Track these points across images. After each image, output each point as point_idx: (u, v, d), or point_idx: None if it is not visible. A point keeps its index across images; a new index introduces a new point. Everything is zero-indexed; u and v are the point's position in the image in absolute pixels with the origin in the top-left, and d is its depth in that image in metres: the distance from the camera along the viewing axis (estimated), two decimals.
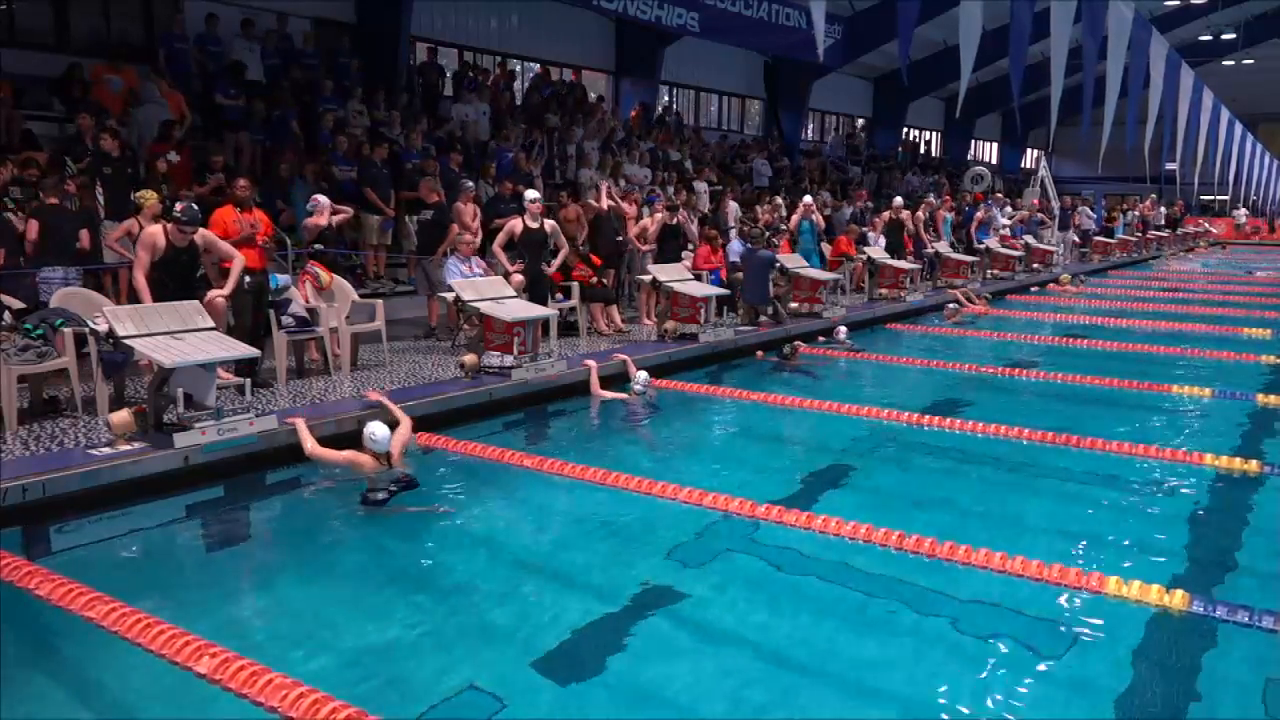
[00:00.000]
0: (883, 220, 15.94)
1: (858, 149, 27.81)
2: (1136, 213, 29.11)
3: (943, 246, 16.64)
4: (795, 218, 14.04)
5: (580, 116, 17.34)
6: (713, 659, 3.87)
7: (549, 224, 9.81)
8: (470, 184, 11.00)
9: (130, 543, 5.07)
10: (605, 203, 11.29)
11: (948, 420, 7.50)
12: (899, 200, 16.94)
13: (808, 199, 14.71)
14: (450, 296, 8.59)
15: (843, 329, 11.26)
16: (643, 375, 8.19)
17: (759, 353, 10.27)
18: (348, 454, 5.71)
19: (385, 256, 11.68)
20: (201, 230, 6.81)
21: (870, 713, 3.52)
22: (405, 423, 6.28)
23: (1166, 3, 28.99)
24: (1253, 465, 6.26)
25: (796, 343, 10.37)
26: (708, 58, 23.10)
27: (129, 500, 5.31)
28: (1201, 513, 5.63)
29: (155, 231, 6.67)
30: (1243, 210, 36.05)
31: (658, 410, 7.98)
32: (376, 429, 5.62)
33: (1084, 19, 13.54)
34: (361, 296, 8.97)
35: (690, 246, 12.39)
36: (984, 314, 14.08)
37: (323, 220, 8.78)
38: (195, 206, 6.87)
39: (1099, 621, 4.13)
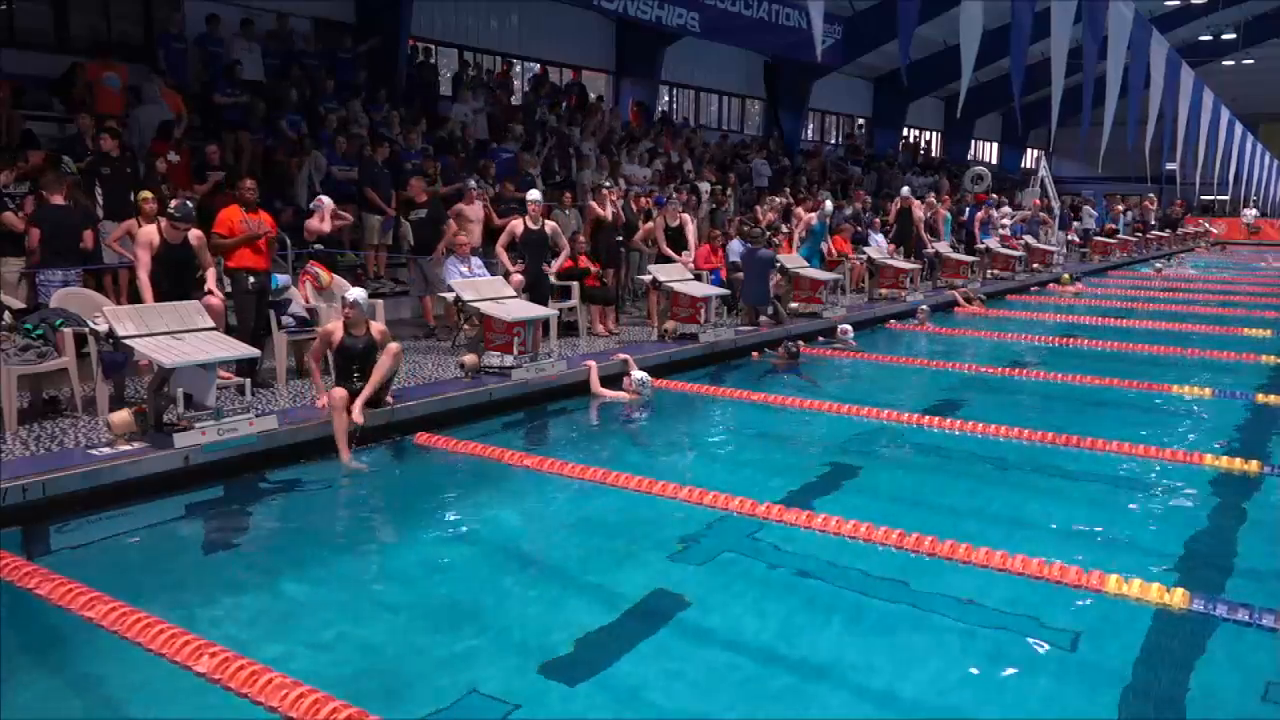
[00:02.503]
0: (895, 208, 15.90)
1: (858, 149, 27.81)
2: (1135, 213, 29.05)
3: (943, 246, 16.64)
4: (812, 217, 13.81)
5: (580, 116, 17.35)
6: (713, 658, 3.86)
7: (549, 225, 9.82)
8: (474, 184, 11.00)
9: (130, 543, 5.07)
10: (607, 211, 11.31)
11: (948, 420, 7.50)
12: (907, 189, 16.90)
13: (828, 203, 14.53)
14: (450, 296, 8.59)
15: (848, 327, 11.23)
16: (638, 374, 8.15)
17: (754, 354, 10.24)
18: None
19: (386, 256, 11.68)
20: (197, 232, 6.82)
21: (870, 712, 3.52)
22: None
23: (1166, 3, 28.95)
24: (1253, 465, 6.25)
25: (799, 342, 10.33)
26: (708, 58, 23.08)
27: (129, 500, 5.31)
28: (1201, 513, 5.62)
29: (151, 230, 6.68)
30: (1251, 210, 36.03)
31: (658, 410, 7.98)
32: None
33: (1084, 19, 13.52)
34: None
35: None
36: (980, 315, 14.08)
37: (325, 226, 8.76)
38: (189, 204, 6.88)
39: (1099, 620, 4.14)
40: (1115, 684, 3.62)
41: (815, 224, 13.58)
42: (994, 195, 22.42)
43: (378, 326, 6.59)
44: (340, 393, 6.20)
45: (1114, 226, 26.26)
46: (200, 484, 5.64)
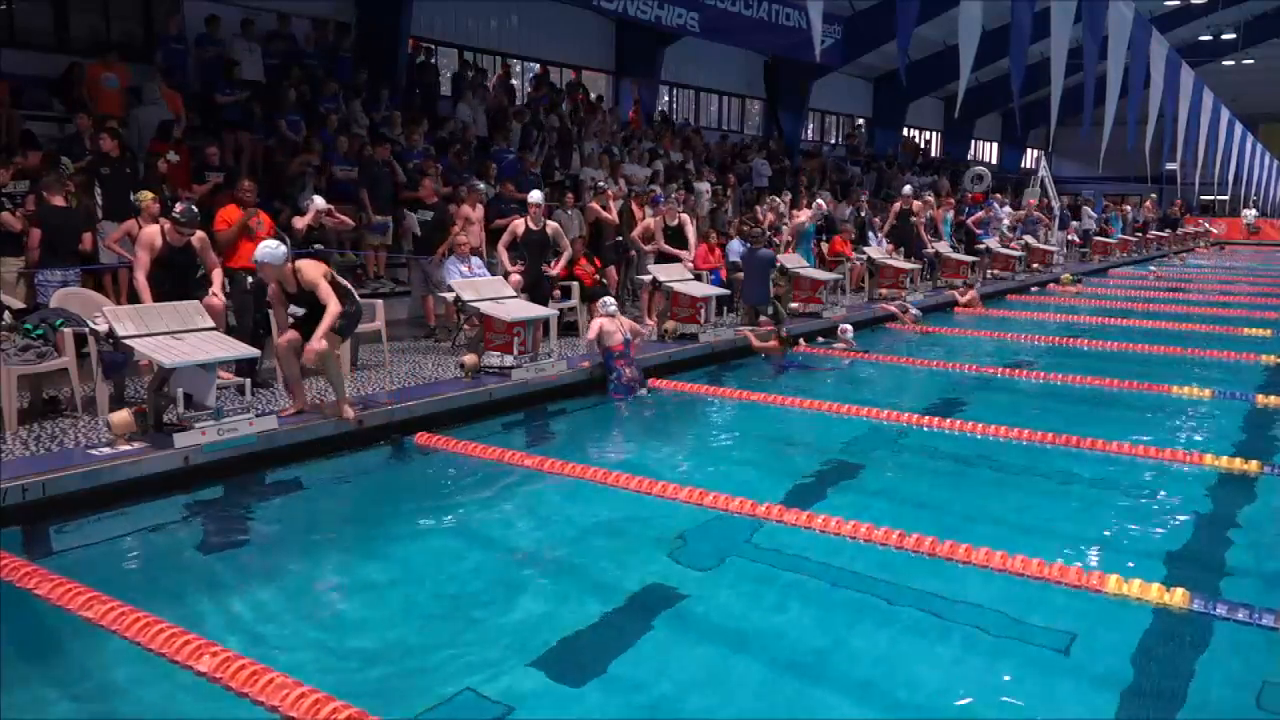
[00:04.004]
0: (893, 211, 15.93)
1: (857, 149, 27.80)
2: (1137, 212, 28.97)
3: (943, 246, 16.63)
4: (804, 216, 13.87)
5: (581, 115, 17.35)
6: (713, 659, 3.86)
7: (551, 226, 9.82)
8: (480, 184, 11.00)
9: (130, 543, 5.07)
10: (613, 213, 11.31)
11: (948, 420, 7.50)
12: (909, 189, 16.88)
13: (820, 202, 14.64)
14: (450, 296, 8.59)
15: (848, 327, 11.22)
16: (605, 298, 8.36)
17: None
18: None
19: (385, 256, 11.69)
20: (200, 233, 6.82)
21: (870, 712, 3.52)
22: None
23: (1166, 3, 28.95)
24: (1253, 465, 6.25)
25: (801, 340, 10.33)
26: (708, 58, 23.08)
27: (129, 500, 5.31)
28: (1201, 513, 5.62)
29: (153, 231, 6.67)
30: (1251, 210, 36.04)
31: (658, 410, 7.98)
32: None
33: (1084, 19, 13.53)
34: (361, 296, 8.94)
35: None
36: (979, 312, 14.07)
37: (300, 223, 8.74)
38: (194, 208, 6.88)
39: (1099, 620, 4.14)
40: (1115, 684, 3.62)
41: (807, 225, 13.61)
42: (996, 195, 22.42)
43: (311, 272, 6.33)
44: (291, 335, 6.33)
45: (1111, 230, 25.88)
46: (200, 484, 5.64)
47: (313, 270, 6.34)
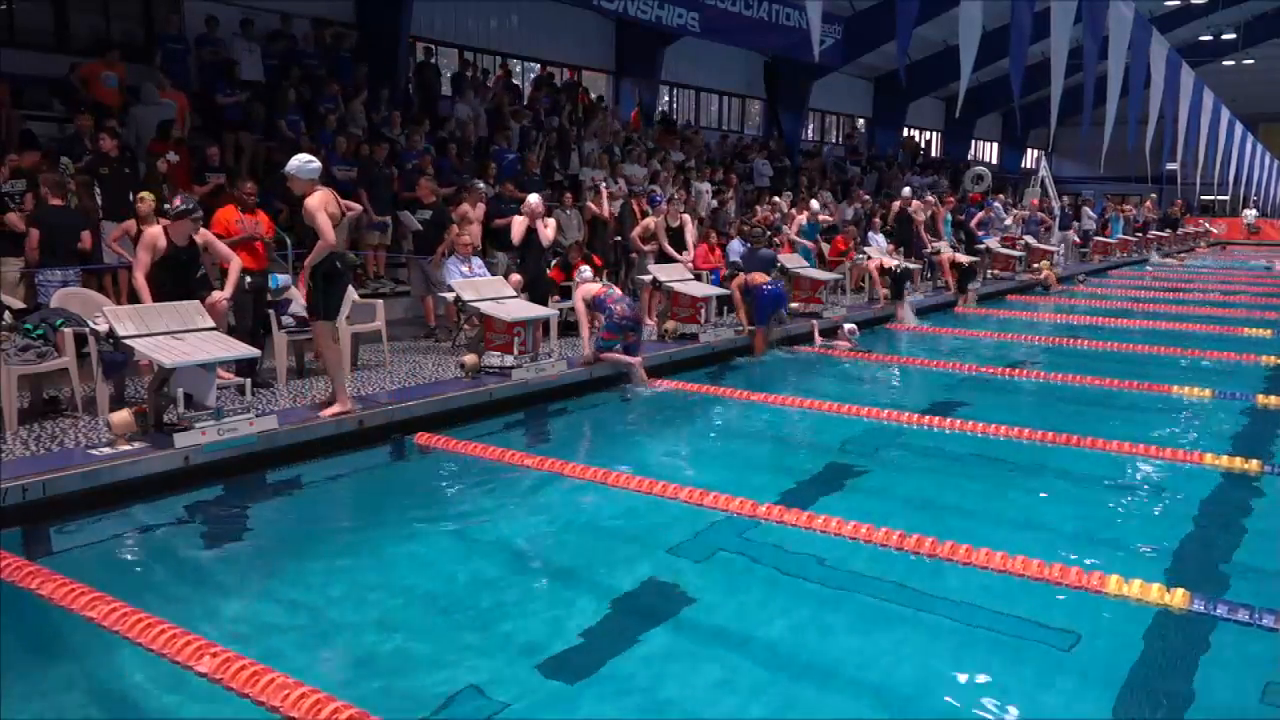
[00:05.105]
0: (893, 211, 15.91)
1: (857, 149, 27.80)
2: (1137, 213, 28.93)
3: (942, 246, 16.60)
4: (800, 218, 13.96)
5: (582, 115, 17.35)
6: (713, 659, 3.87)
7: (550, 223, 9.81)
8: (481, 185, 11.00)
9: (130, 543, 5.07)
10: (605, 210, 11.31)
11: (948, 420, 7.50)
12: (908, 191, 16.86)
13: (815, 204, 14.75)
14: (450, 296, 8.60)
15: (854, 327, 11.19)
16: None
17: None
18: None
19: (385, 256, 11.68)
20: (203, 230, 6.82)
21: (870, 713, 3.52)
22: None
23: (1166, 3, 28.95)
24: (1253, 465, 6.25)
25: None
26: (708, 58, 23.08)
27: (129, 500, 5.31)
28: (1201, 513, 5.62)
29: (156, 232, 6.66)
30: (1250, 210, 36.05)
31: (658, 410, 7.98)
32: None
33: (1084, 19, 13.53)
34: (361, 296, 8.96)
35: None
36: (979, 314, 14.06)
37: None
38: (191, 198, 6.87)
39: (1099, 621, 4.14)
40: (1115, 684, 3.62)
41: (804, 224, 13.66)
42: (998, 195, 22.40)
43: (311, 203, 6.31)
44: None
45: (1109, 230, 25.74)
46: (200, 484, 5.64)
47: (314, 201, 6.30)
